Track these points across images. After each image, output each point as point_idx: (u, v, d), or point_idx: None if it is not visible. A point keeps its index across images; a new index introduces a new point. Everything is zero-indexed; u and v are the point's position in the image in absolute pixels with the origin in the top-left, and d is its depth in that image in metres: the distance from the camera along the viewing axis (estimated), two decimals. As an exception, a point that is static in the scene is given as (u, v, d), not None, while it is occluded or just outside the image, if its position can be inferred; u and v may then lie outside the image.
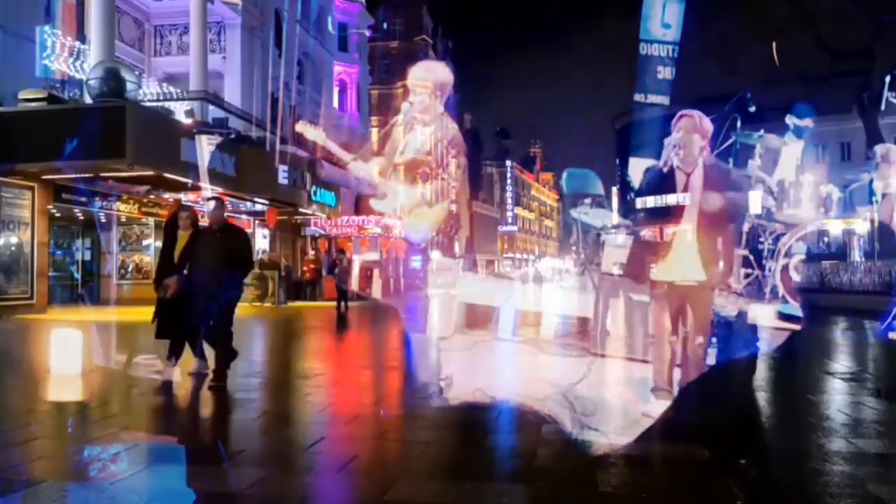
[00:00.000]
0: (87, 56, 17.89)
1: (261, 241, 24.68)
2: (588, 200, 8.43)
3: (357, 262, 24.86)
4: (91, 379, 6.48)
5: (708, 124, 4.88)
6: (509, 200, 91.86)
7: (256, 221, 24.01)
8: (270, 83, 22.31)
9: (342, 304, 17.73)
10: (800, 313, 8.17)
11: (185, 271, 6.36)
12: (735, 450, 4.04)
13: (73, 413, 5.29)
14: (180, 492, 3.29)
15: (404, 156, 6.15)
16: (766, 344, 8.55)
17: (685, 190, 4.73)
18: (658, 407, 4.76)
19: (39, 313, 14.98)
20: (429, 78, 6.10)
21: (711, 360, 6.64)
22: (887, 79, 15.05)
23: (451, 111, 6.22)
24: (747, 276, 8.55)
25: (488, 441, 4.39)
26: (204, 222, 6.69)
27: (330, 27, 36.68)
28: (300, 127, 6.80)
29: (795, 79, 25.44)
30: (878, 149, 9.86)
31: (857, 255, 21.66)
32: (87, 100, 15.94)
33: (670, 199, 4.73)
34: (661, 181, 4.82)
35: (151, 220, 20.04)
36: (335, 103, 37.35)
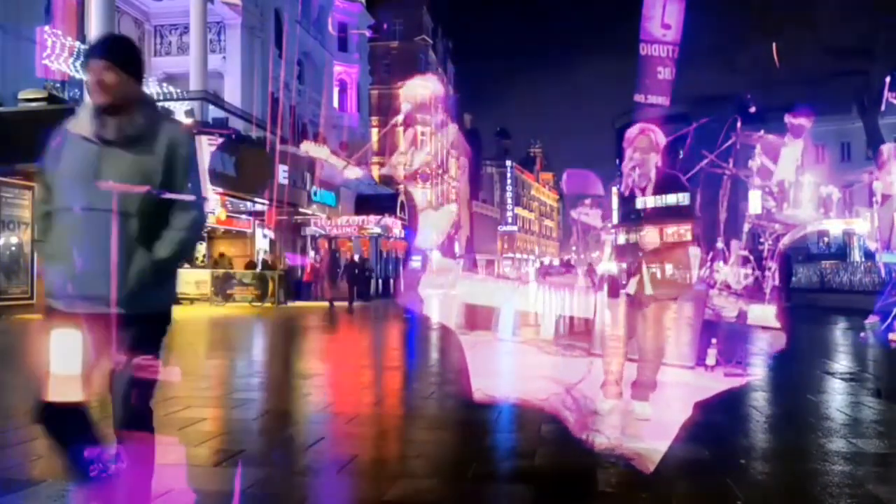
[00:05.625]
0: (87, 56, 17.88)
1: (261, 241, 24.69)
2: (588, 200, 8.43)
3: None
4: (91, 379, 6.47)
5: (662, 139, 4.90)
6: (509, 200, 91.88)
7: (256, 221, 24.01)
8: (270, 83, 22.31)
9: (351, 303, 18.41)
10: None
11: None
12: (735, 450, 4.04)
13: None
14: (180, 492, 3.29)
15: (409, 161, 6.20)
16: (767, 344, 8.56)
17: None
18: (649, 409, 4.76)
19: (39, 313, 14.96)
20: (425, 92, 6.14)
21: (711, 360, 6.66)
22: (887, 79, 15.05)
23: (451, 111, 6.26)
24: (747, 276, 8.55)
25: (488, 441, 4.39)
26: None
27: (330, 27, 36.70)
28: (304, 147, 6.89)
29: (795, 79, 25.44)
30: (885, 148, 9.86)
31: (857, 255, 21.65)
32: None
33: (670, 200, 4.76)
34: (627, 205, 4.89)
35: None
36: (335, 103, 37.37)
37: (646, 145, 4.80)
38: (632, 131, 4.89)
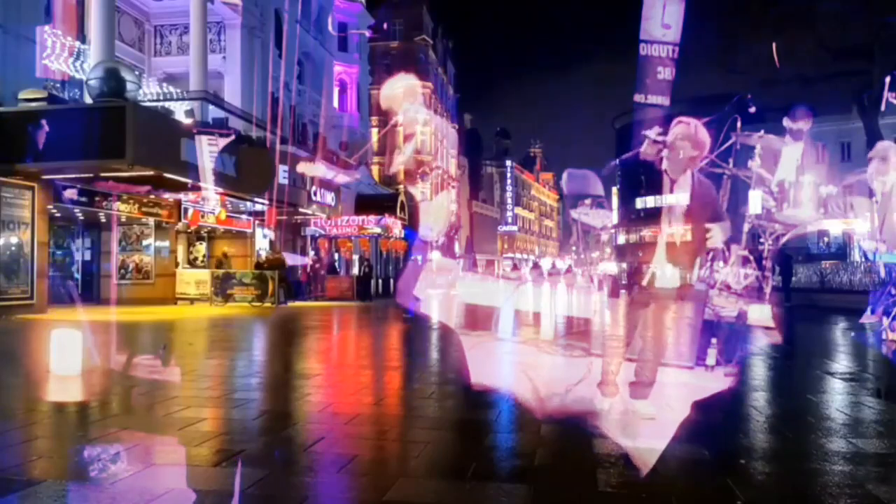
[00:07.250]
0: (87, 56, 17.88)
1: (261, 241, 24.69)
2: (588, 200, 8.44)
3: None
4: (91, 379, 6.48)
5: (703, 136, 4.90)
6: (509, 200, 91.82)
7: (256, 221, 24.01)
8: (270, 83, 22.29)
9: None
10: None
11: None
12: (735, 450, 4.04)
13: (72, 413, 5.29)
14: (180, 492, 3.29)
15: (404, 157, 6.27)
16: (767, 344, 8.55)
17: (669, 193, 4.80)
18: (652, 407, 4.77)
19: (39, 313, 14.97)
20: (399, 92, 6.18)
21: (711, 360, 6.66)
22: (887, 79, 15.05)
23: (451, 111, 6.29)
24: (747, 276, 8.55)
25: (488, 441, 4.39)
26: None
27: (330, 27, 36.68)
28: (300, 168, 6.96)
29: (795, 79, 25.45)
30: (879, 146, 9.87)
31: (856, 255, 21.69)
32: (87, 100, 15.94)
33: (669, 200, 4.76)
34: (642, 175, 4.90)
35: (151, 220, 20.03)
36: (335, 103, 37.36)
37: (682, 133, 4.89)
38: (689, 123, 4.94)
